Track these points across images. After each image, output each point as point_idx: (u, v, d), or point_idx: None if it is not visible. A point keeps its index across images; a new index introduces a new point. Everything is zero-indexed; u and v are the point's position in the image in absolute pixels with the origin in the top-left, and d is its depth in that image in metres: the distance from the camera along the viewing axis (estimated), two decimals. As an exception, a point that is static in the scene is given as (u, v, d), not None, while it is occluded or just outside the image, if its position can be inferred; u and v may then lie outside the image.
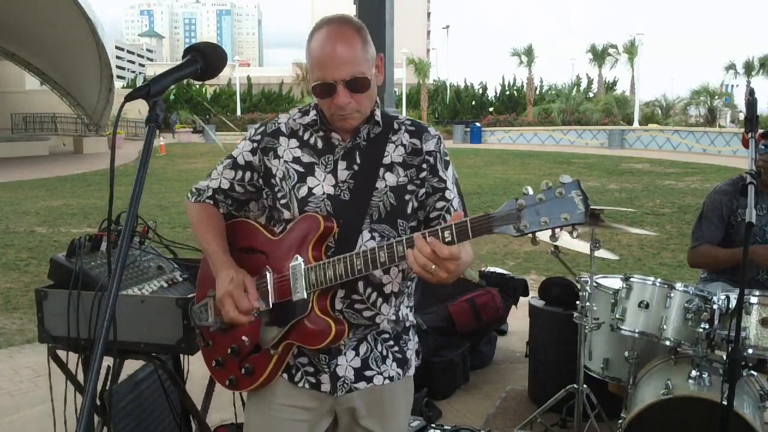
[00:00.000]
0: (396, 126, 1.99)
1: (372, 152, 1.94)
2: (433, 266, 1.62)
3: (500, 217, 1.56)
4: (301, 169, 1.95)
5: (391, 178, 1.93)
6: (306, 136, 1.99)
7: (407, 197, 1.93)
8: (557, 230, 1.54)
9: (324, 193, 1.92)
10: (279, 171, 1.97)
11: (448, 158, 2.00)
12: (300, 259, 1.86)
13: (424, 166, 1.95)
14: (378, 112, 1.96)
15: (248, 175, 2.03)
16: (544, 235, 1.57)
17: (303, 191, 1.93)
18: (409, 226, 1.95)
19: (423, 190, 1.94)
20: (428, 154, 1.96)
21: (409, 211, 1.94)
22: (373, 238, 1.90)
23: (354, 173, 1.93)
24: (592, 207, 3.49)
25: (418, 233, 1.66)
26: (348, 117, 1.88)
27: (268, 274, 1.92)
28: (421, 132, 1.98)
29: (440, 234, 1.62)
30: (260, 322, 1.95)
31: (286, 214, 1.95)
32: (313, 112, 1.98)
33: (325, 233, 1.87)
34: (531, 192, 1.54)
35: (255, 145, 2.01)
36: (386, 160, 1.94)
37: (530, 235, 1.56)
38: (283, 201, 1.96)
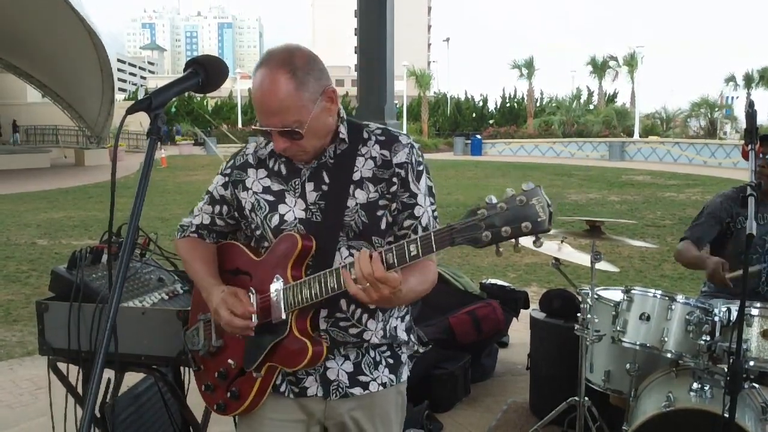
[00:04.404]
0: (366, 135, 1.93)
1: (340, 170, 1.90)
2: (367, 284, 1.63)
3: (462, 229, 1.53)
4: (271, 198, 1.94)
5: (361, 195, 1.88)
6: (271, 164, 1.98)
7: (379, 213, 1.89)
8: (519, 240, 1.50)
9: (295, 218, 1.91)
10: (248, 203, 1.98)
11: (421, 167, 1.92)
12: (280, 280, 1.86)
13: (395, 179, 1.88)
14: (343, 129, 1.91)
15: (225, 208, 2.06)
16: (507, 244, 1.54)
17: (275, 220, 1.93)
18: (386, 242, 1.91)
19: (394, 205, 1.90)
20: (399, 166, 1.88)
21: (383, 227, 1.90)
22: (351, 255, 1.87)
23: (323, 193, 1.90)
24: (593, 219, 3.54)
25: (364, 250, 1.67)
26: (294, 157, 1.90)
27: (251, 296, 1.91)
28: (391, 142, 1.91)
29: (406, 248, 1.61)
30: (244, 345, 1.95)
31: (266, 244, 1.96)
32: None
33: (303, 252, 1.85)
34: (494, 200, 1.51)
35: (226, 179, 2.03)
36: (356, 176, 1.89)
37: (493, 246, 1.51)
38: (258, 232, 1.97)
